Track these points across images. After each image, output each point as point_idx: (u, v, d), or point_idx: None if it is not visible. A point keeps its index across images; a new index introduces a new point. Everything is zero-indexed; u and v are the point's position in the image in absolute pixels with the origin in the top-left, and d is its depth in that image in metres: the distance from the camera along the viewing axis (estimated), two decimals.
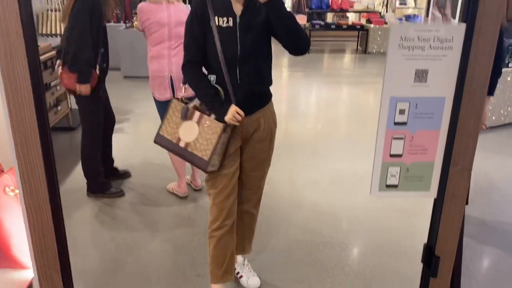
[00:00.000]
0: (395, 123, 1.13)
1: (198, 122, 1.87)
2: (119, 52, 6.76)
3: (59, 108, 4.25)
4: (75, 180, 3.33)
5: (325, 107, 5.96)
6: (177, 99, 1.98)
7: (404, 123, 1.13)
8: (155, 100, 2.99)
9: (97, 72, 2.94)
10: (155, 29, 2.84)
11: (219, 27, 1.79)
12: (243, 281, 2.31)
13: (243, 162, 2.05)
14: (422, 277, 1.27)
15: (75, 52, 2.76)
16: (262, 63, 1.91)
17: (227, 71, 1.83)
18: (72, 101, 5.06)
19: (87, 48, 2.78)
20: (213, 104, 1.86)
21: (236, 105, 1.85)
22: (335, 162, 3.96)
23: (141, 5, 2.89)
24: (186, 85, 2.06)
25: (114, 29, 6.75)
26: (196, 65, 1.90)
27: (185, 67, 1.91)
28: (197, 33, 1.83)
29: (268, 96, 2.02)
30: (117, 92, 6.00)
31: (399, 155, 1.16)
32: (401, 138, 1.14)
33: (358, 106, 5.96)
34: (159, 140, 1.96)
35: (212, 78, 1.89)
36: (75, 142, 4.27)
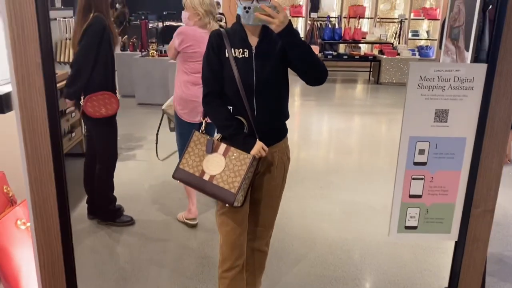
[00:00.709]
0: (415, 163, 1.10)
1: (225, 154, 1.83)
2: (134, 79, 6.86)
3: (73, 134, 4.29)
4: (85, 206, 3.32)
5: (337, 137, 5.93)
6: (199, 131, 1.93)
7: (423, 163, 1.10)
8: (180, 120, 3.00)
9: (118, 96, 3.03)
10: (197, 59, 2.86)
11: (235, 58, 1.80)
12: None
13: (255, 198, 2.00)
14: None
15: (73, 75, 2.88)
16: (279, 95, 1.90)
17: (246, 100, 1.82)
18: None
19: (84, 76, 2.85)
20: (236, 138, 1.82)
21: (251, 136, 1.84)
22: (348, 194, 3.90)
23: (184, 30, 2.91)
24: (207, 118, 2.04)
25: (130, 57, 6.89)
26: (216, 96, 1.87)
27: (205, 99, 1.89)
28: (214, 65, 1.84)
29: (285, 130, 2.00)
30: (131, 119, 6.06)
31: (419, 196, 1.13)
32: (421, 179, 1.12)
33: (371, 136, 5.92)
34: (180, 174, 1.88)
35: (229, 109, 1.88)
36: None
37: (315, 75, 1.82)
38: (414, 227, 1.16)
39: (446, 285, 1.24)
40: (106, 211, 3.19)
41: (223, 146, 1.83)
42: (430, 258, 2.93)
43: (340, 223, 3.38)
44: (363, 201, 3.73)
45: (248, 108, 1.82)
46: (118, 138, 3.21)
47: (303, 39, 1.85)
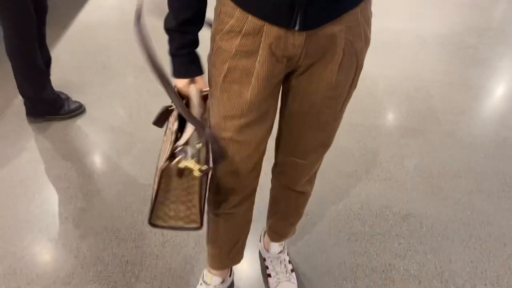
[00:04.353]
0: None
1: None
2: None
3: None
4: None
5: None
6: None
7: None
8: None
9: None
10: None
11: None
12: (271, 283, 1.50)
13: (291, 111, 1.02)
14: None
15: None
16: None
17: None
18: None
19: None
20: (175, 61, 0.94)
21: (278, 9, 0.78)
22: (391, 21, 3.21)
23: None
24: None
25: None
26: None
27: None
28: None
29: None
30: None
31: None
32: None
33: None
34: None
35: None
36: None
37: None
38: None
39: None
40: (37, 100, 2.11)
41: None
42: (492, 100, 2.43)
43: (383, 57, 2.79)
44: (410, 30, 3.07)
45: None
46: None
47: None
